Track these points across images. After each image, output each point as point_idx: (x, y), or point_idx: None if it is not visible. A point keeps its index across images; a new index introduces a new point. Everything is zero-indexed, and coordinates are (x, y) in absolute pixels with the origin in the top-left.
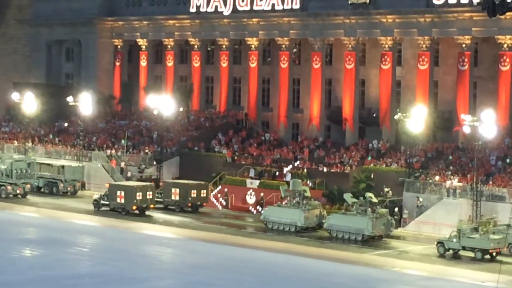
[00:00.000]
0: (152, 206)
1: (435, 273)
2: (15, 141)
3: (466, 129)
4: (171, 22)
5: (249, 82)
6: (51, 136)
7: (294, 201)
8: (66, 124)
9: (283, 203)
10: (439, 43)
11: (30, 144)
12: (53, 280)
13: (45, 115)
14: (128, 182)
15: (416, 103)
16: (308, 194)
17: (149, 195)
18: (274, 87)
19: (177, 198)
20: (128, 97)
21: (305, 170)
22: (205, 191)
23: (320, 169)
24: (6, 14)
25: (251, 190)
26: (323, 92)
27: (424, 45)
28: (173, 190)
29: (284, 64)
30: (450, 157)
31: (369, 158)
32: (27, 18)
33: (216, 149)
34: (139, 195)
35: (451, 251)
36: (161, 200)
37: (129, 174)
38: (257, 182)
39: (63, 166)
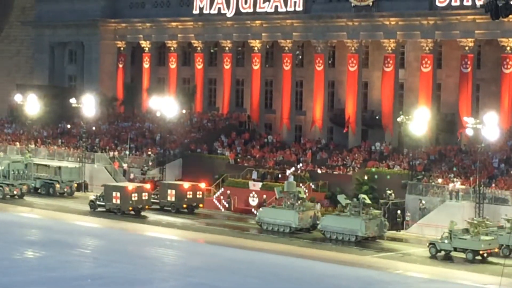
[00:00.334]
0: (147, 206)
1: (438, 276)
2: (18, 143)
3: (469, 132)
4: (174, 24)
5: (252, 84)
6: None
7: (289, 203)
8: (69, 126)
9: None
10: (442, 45)
11: (33, 146)
12: (55, 281)
13: (48, 116)
14: (123, 183)
15: (419, 106)
16: (302, 195)
17: (145, 196)
18: (277, 89)
19: (173, 199)
20: (131, 99)
21: (308, 172)
22: (201, 192)
23: (323, 171)
24: (9, 15)
25: (253, 192)
26: (326, 94)
27: (427, 48)
28: (169, 191)
29: (287, 66)
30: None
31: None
32: (30, 19)
33: (219, 151)
34: (134, 196)
35: (442, 252)
36: (157, 201)
37: (131, 176)
38: (259, 184)
39: (59, 167)
